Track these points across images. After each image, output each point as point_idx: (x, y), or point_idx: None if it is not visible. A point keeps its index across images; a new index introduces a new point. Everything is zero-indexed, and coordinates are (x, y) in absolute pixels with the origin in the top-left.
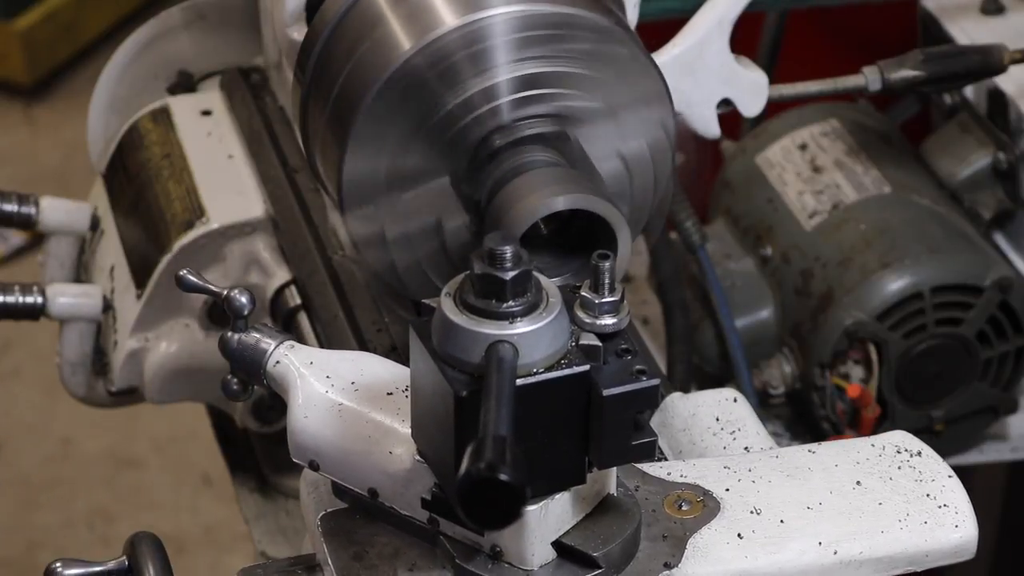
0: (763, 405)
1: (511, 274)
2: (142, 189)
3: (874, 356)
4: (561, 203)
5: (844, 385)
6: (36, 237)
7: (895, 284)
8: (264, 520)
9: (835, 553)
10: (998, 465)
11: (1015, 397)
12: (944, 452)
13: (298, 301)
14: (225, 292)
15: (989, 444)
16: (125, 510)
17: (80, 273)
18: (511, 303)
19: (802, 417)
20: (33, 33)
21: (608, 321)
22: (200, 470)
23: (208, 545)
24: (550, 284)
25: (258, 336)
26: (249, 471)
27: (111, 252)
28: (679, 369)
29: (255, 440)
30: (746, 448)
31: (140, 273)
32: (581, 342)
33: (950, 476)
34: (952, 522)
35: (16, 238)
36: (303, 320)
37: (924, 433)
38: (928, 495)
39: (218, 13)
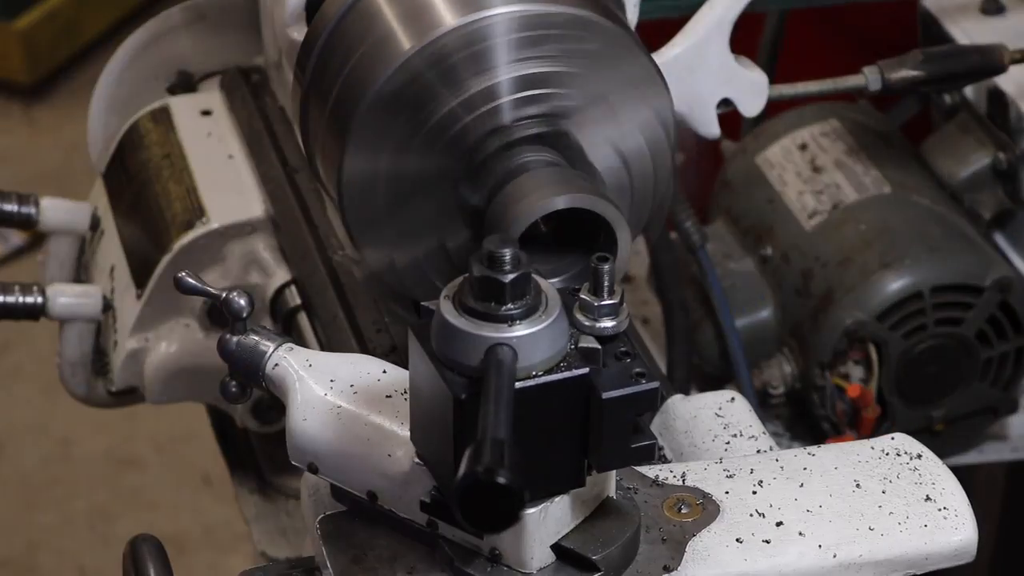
0: (763, 405)
1: (510, 277)
2: (142, 189)
3: (874, 356)
4: (561, 202)
5: (844, 385)
6: (36, 237)
7: (895, 284)
8: (264, 520)
9: (835, 556)
10: (998, 465)
11: (1015, 397)
12: (944, 452)
13: (298, 301)
14: (224, 294)
15: (989, 444)
16: (125, 510)
17: (80, 273)
18: (510, 306)
19: (802, 417)
20: (33, 33)
21: (607, 324)
22: (200, 470)
23: (208, 545)
24: (549, 287)
25: (257, 338)
26: (249, 471)
27: (111, 252)
28: (679, 370)
29: (255, 440)
30: (748, 451)
31: (140, 273)
32: (580, 345)
33: (950, 479)
34: (952, 525)
35: (16, 238)
36: (303, 320)
37: (924, 433)
38: (928, 498)
39: (218, 13)
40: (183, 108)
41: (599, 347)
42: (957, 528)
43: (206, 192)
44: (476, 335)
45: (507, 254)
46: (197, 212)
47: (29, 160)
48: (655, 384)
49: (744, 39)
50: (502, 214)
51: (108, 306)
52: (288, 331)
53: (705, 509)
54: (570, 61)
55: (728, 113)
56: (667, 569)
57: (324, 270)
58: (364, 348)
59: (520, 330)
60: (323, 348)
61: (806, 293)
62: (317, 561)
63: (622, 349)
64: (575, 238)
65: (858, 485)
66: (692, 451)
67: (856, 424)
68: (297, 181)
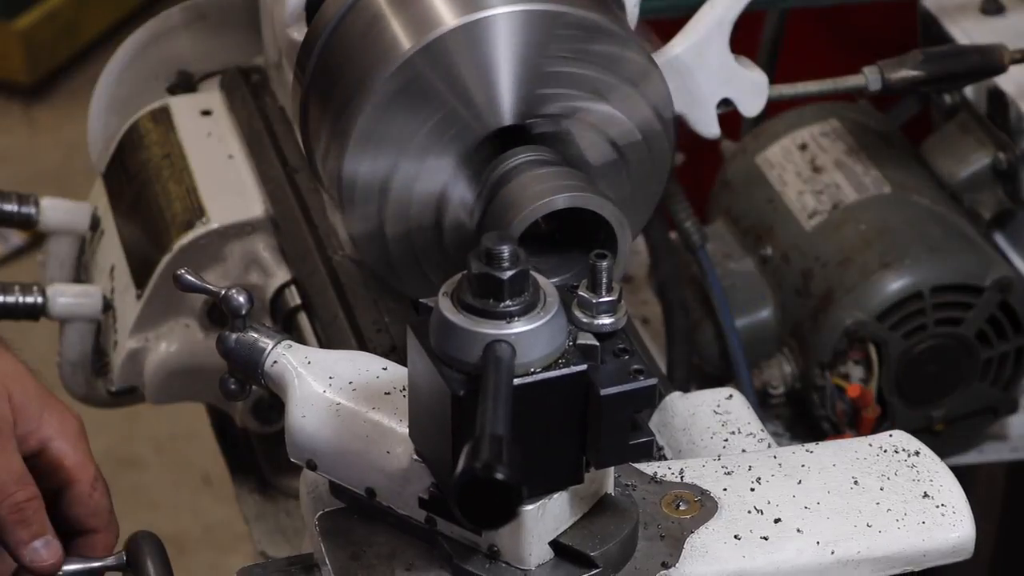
0: (763, 405)
1: (508, 273)
2: (142, 189)
3: (874, 356)
4: (561, 202)
5: (844, 385)
6: (36, 237)
7: (895, 284)
8: (264, 520)
9: (832, 553)
10: (998, 465)
11: (1015, 397)
12: (944, 452)
13: (298, 301)
14: (223, 291)
15: (989, 444)
16: (125, 510)
17: (80, 273)
18: (508, 303)
19: (802, 417)
20: (33, 33)
21: (606, 321)
22: (200, 470)
23: (208, 545)
24: (547, 284)
25: (256, 335)
26: (249, 471)
27: (111, 252)
28: (679, 370)
29: (255, 440)
30: (746, 447)
31: (140, 273)
32: (579, 342)
33: (948, 476)
34: (950, 522)
35: (16, 238)
36: (303, 320)
37: (924, 433)
38: (926, 495)
39: (218, 13)
40: (183, 108)
41: (597, 344)
42: (955, 525)
43: (206, 192)
44: (474, 332)
45: (505, 251)
46: (197, 212)
47: (29, 160)
48: (653, 381)
49: (744, 39)
50: (502, 213)
51: (108, 306)
52: (288, 331)
53: (703, 506)
54: (570, 60)
55: (728, 113)
56: (665, 566)
57: (324, 270)
58: (364, 348)
59: (518, 327)
60: (323, 348)
61: (806, 293)
62: (316, 558)
63: (620, 346)
64: (575, 237)
65: (856, 482)
66: (691, 448)
67: (856, 424)
68: (297, 181)
